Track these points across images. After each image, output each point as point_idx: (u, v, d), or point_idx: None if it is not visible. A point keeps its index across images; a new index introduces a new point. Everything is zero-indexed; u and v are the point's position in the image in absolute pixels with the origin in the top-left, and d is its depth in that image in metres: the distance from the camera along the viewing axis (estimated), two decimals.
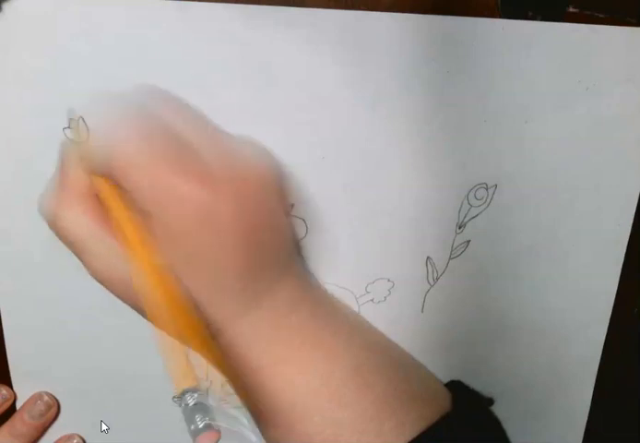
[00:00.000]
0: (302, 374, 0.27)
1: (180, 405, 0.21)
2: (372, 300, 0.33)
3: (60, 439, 0.33)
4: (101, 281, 0.26)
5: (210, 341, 0.23)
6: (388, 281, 0.33)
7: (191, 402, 0.21)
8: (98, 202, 0.26)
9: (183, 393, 0.21)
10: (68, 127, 0.27)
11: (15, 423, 0.32)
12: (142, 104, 0.25)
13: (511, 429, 0.38)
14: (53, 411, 0.32)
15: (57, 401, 0.33)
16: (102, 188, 0.25)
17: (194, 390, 0.21)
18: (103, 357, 0.32)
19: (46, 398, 0.32)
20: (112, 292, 0.26)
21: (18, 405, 0.32)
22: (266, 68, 0.27)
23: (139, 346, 0.32)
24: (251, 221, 0.25)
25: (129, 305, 0.27)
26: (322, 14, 0.27)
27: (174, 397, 0.34)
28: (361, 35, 0.27)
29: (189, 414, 0.21)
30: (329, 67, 0.28)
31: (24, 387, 0.32)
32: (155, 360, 0.32)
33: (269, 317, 0.26)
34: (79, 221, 0.25)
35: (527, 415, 0.38)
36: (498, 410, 0.37)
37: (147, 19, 0.26)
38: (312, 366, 0.27)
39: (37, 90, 0.26)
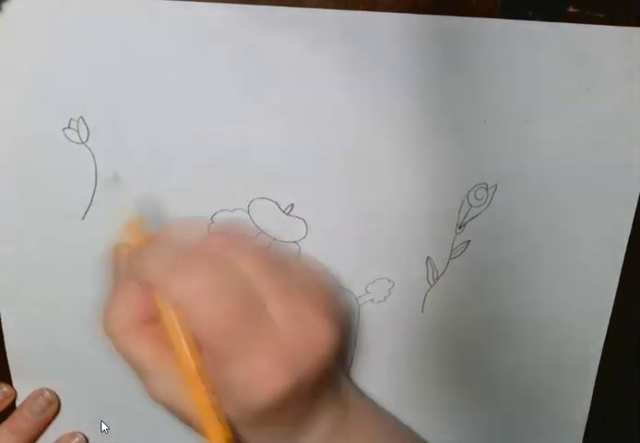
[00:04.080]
0: None
1: None
2: (372, 300, 0.33)
3: (62, 437, 0.33)
4: (161, 403, 0.25)
5: None
6: (388, 281, 0.33)
7: None
8: (159, 325, 0.25)
9: None
10: (68, 127, 0.27)
11: (15, 419, 0.32)
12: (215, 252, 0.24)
13: (511, 429, 0.38)
14: (53, 407, 0.32)
15: (58, 397, 0.33)
16: (164, 315, 0.25)
17: None
18: (103, 357, 0.32)
19: (47, 394, 0.32)
20: (170, 413, 0.26)
21: (18, 404, 0.32)
22: (266, 68, 0.27)
23: None
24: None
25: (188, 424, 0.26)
26: (322, 14, 0.27)
27: None
28: (361, 35, 0.27)
29: None
30: (329, 67, 0.28)
31: (24, 385, 0.32)
32: None
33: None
34: (143, 343, 0.25)
35: (527, 415, 0.38)
36: (498, 410, 0.37)
37: (147, 19, 0.26)
38: None
39: (37, 90, 0.26)
